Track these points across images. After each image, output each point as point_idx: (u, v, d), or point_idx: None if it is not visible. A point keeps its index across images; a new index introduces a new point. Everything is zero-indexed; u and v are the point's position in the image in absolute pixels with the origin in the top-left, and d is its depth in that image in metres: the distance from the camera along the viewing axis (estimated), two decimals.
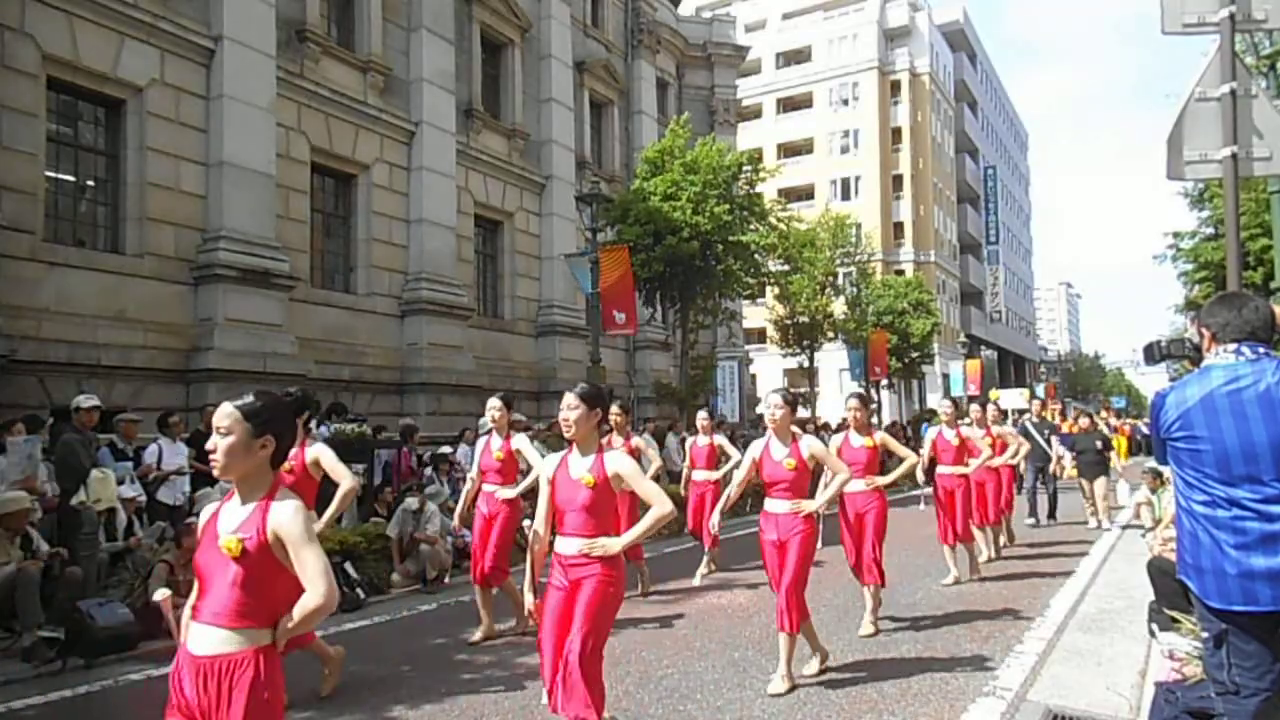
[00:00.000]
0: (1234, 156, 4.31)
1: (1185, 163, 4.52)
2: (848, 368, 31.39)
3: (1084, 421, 13.31)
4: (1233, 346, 2.58)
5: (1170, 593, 5.39)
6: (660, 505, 3.45)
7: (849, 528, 6.04)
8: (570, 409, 3.55)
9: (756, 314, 33.91)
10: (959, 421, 8.15)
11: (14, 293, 10.14)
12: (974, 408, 9.40)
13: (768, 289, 26.22)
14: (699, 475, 8.69)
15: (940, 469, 7.91)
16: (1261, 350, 2.56)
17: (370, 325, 15.17)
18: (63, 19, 10.83)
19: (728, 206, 17.38)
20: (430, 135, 16.18)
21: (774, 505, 4.80)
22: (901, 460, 6.67)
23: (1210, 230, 19.07)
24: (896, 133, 50.80)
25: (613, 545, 3.43)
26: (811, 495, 4.94)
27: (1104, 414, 22.52)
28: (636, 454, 7.50)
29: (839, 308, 29.43)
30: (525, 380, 17.81)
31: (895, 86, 51.08)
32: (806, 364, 28.28)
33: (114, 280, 11.27)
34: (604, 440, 7.78)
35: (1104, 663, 5.03)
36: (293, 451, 4.91)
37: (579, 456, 3.56)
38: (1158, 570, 5.65)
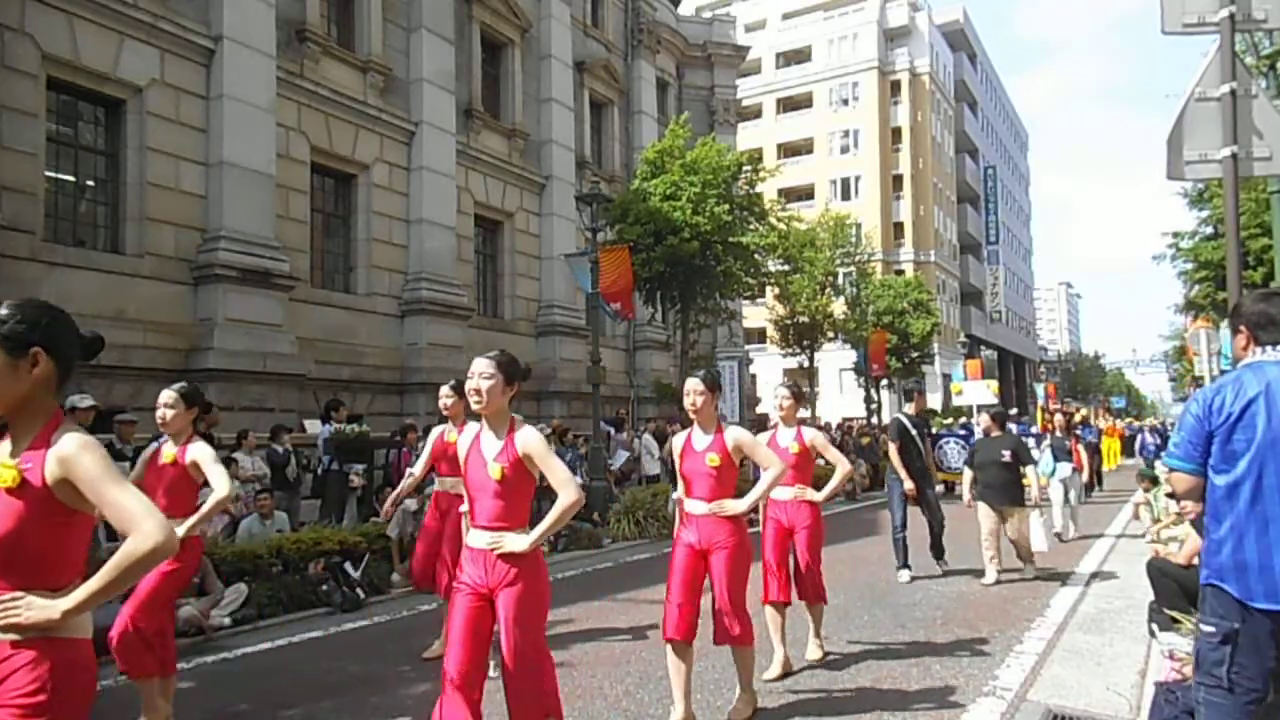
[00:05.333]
0: (1234, 156, 4.31)
1: (1185, 163, 4.51)
2: (849, 367, 31.43)
3: (985, 421, 8.70)
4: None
5: (1170, 593, 5.40)
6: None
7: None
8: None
9: (756, 314, 33.93)
10: (804, 423, 5.46)
11: (14, 293, 9.97)
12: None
13: (768, 289, 26.24)
14: None
15: (774, 492, 4.99)
16: None
17: (370, 325, 15.18)
18: (63, 19, 10.84)
19: (728, 206, 17.37)
20: (430, 135, 16.19)
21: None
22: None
23: (1210, 230, 19.07)
24: (896, 133, 50.84)
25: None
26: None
27: (1071, 412, 18.40)
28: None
29: (839, 308, 29.45)
30: (526, 380, 17.78)
31: (895, 86, 51.14)
32: (806, 364, 28.31)
33: (114, 280, 11.28)
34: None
35: (1104, 663, 5.04)
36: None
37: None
38: (1158, 570, 5.65)
